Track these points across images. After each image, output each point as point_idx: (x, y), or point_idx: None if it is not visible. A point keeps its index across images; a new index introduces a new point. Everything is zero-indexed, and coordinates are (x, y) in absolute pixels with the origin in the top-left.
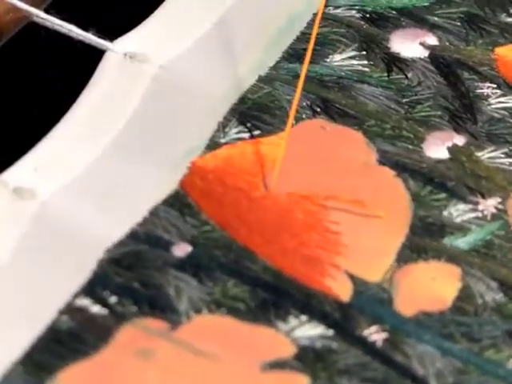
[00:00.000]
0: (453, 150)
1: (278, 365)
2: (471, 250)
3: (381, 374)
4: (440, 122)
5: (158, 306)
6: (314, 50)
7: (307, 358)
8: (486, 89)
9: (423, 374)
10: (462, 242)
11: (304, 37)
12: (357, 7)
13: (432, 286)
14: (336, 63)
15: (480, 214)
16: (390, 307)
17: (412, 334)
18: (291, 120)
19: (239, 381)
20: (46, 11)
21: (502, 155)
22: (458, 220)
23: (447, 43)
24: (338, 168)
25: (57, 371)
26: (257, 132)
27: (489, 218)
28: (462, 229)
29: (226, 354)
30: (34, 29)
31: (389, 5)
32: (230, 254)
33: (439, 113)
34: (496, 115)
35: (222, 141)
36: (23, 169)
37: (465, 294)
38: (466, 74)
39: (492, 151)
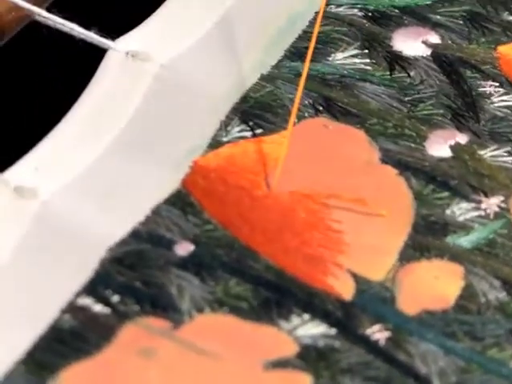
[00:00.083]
0: (455, 148)
1: (280, 364)
2: (474, 249)
3: (383, 373)
4: (442, 121)
5: (160, 305)
6: (316, 48)
7: (310, 356)
8: (489, 87)
9: (426, 372)
10: (464, 241)
11: (306, 35)
12: (359, 6)
13: (435, 285)
14: (338, 62)
15: (483, 213)
16: (392, 306)
17: (415, 333)
18: (293, 118)
19: (242, 380)
20: (48, 10)
21: (505, 154)
22: (461, 219)
23: (450, 42)
24: (340, 167)
25: (59, 370)
26: (259, 131)
27: (492, 216)
28: (465, 227)
29: (229, 353)
30: (35, 28)
31: (391, 3)
32: (232, 252)
33: (442, 111)
34: (499, 114)
35: (224, 139)
36: (24, 168)
37: (468, 293)
38: (468, 73)
39: (495, 150)
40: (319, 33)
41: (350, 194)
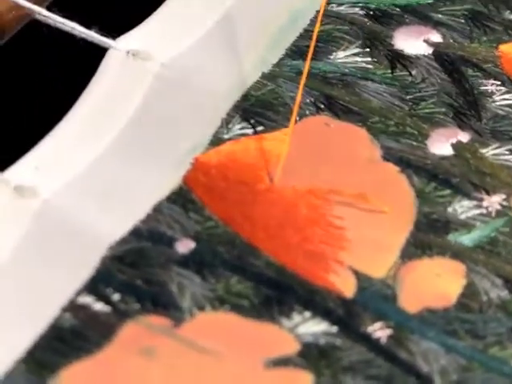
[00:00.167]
0: (457, 146)
1: (281, 362)
2: (476, 247)
3: (385, 371)
4: (444, 119)
5: (161, 303)
6: (317, 47)
7: (311, 354)
8: (490, 86)
9: (427, 370)
10: (466, 239)
11: (307, 34)
12: (360, 4)
13: (436, 283)
14: (340, 60)
15: (484, 211)
16: (394, 304)
17: (416, 331)
18: (295, 116)
19: (243, 378)
20: (49, 9)
21: (507, 152)
22: (463, 216)
23: (451, 40)
24: (342, 164)
25: (59, 369)
26: (260, 128)
27: (493, 214)
28: (467, 225)
29: (230, 351)
30: (36, 26)
31: (392, 2)
32: (234, 250)
33: (443, 109)
34: (500, 112)
35: (226, 137)
36: (24, 167)
37: (469, 291)
38: (470, 71)
39: (496, 148)
40: (320, 31)
41: (351, 191)
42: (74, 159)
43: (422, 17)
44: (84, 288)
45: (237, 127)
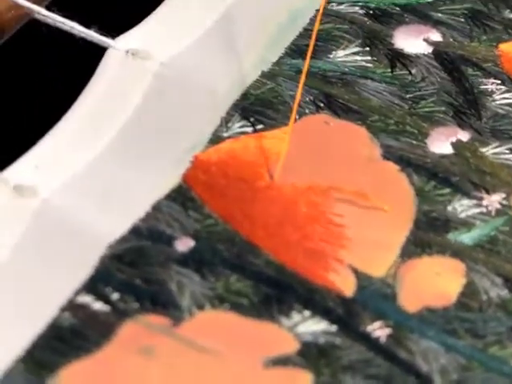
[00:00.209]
0: (457, 145)
1: (281, 361)
2: (476, 246)
3: (384, 371)
4: (444, 118)
5: (160, 302)
6: (317, 45)
7: (310, 354)
8: (490, 85)
9: (427, 370)
10: (466, 238)
11: (307, 33)
12: (360, 3)
13: (436, 282)
14: (339, 59)
15: (484, 210)
16: (393, 303)
17: (416, 330)
18: (294, 115)
19: (242, 377)
20: (48, 8)
21: (507, 151)
22: (463, 215)
23: (451, 39)
24: (341, 163)
25: (58, 369)
26: (260, 126)
27: (493, 213)
28: (467, 224)
29: (229, 350)
30: (35, 26)
31: (392, 1)
32: (233, 248)
33: (443, 108)
34: (500, 111)
35: (225, 135)
36: (24, 166)
37: (469, 290)
38: (470, 70)
39: (496, 147)
40: (320, 30)
41: (351, 189)
42: (73, 158)
43: (421, 16)
44: (83, 287)
45: (236, 126)
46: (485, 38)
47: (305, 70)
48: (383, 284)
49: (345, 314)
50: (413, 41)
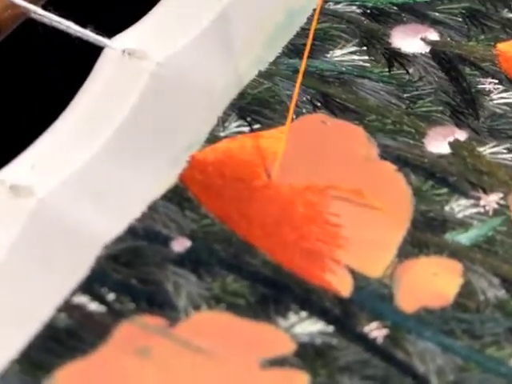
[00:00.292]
0: (454, 145)
1: (277, 362)
2: (473, 246)
3: (381, 371)
4: (441, 117)
5: (157, 302)
6: (314, 45)
7: (307, 354)
8: (488, 84)
9: (424, 370)
10: (463, 238)
11: (304, 32)
12: (357, 3)
13: (433, 282)
14: (336, 58)
15: (482, 210)
16: (390, 303)
17: (413, 331)
18: (291, 114)
19: (238, 378)
20: (44, 8)
21: (504, 150)
22: (460, 215)
23: (448, 39)
24: (338, 163)
25: (54, 369)
26: (257, 126)
27: (491, 213)
28: (464, 224)
29: (225, 351)
30: (31, 25)
31: (390, 0)
32: (230, 248)
33: (440, 108)
34: (498, 111)
35: (222, 134)
36: (20, 166)
37: (466, 291)
38: (467, 70)
39: (494, 146)
40: (317, 30)
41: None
42: (69, 158)
43: (419, 15)
44: (79, 288)
45: (233, 125)
46: (482, 37)
47: (302, 69)
48: (380, 284)
49: (342, 315)
50: (410, 40)
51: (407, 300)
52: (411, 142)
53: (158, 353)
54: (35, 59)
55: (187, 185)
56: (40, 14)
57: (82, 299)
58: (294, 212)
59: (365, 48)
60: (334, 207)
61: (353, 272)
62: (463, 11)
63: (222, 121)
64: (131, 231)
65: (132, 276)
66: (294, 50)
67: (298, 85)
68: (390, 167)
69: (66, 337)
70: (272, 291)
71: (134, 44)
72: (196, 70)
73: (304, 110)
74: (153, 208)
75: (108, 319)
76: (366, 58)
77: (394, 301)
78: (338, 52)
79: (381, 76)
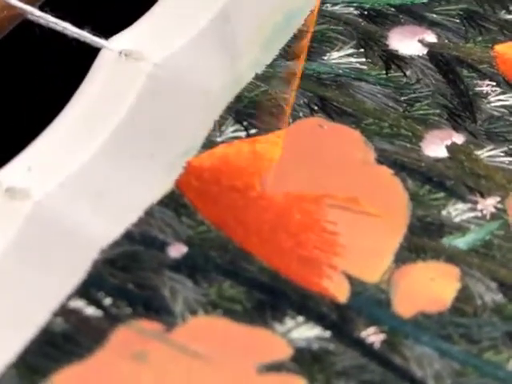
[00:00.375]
0: (452, 148)
1: (274, 367)
2: (470, 250)
3: (378, 376)
4: (439, 121)
5: (153, 307)
6: (311, 47)
7: (304, 359)
8: (486, 86)
9: (421, 375)
10: (460, 242)
11: (301, 34)
12: (355, 4)
13: (431, 287)
14: (334, 61)
15: (479, 214)
16: (388, 308)
17: (410, 336)
18: (287, 118)
19: (235, 383)
20: (41, 9)
21: (502, 154)
22: (457, 220)
23: (446, 40)
24: (335, 167)
25: (51, 374)
26: (253, 131)
27: (488, 217)
28: (461, 228)
29: (222, 356)
30: (28, 26)
31: (387, 2)
32: (226, 254)
33: (438, 111)
34: (495, 113)
35: (219, 140)
36: (16, 169)
37: (464, 295)
38: (465, 72)
39: (491, 150)
40: (315, 32)
41: (345, 194)
42: (66, 161)
43: (416, 17)
44: (75, 292)
45: (230, 130)
46: (480, 39)
47: (299, 72)
48: (377, 290)
49: (339, 320)
50: (408, 42)
51: (404, 305)
52: (408, 145)
53: (155, 357)
54: (32, 60)
55: (183, 191)
56: (37, 15)
57: (79, 303)
58: (290, 219)
59: (362, 50)
60: (330, 215)
61: (350, 277)
62: (461, 12)
63: (219, 125)
64: (128, 236)
65: (129, 281)
66: (290, 52)
67: (295, 87)
68: (386, 172)
69: (62, 341)
70: (269, 297)
71: (131, 45)
72: (193, 71)
73: (301, 114)
74: (149, 213)
75: (104, 324)
76: (363, 60)
77: (391, 306)
78: (335, 54)
79: (378, 79)
